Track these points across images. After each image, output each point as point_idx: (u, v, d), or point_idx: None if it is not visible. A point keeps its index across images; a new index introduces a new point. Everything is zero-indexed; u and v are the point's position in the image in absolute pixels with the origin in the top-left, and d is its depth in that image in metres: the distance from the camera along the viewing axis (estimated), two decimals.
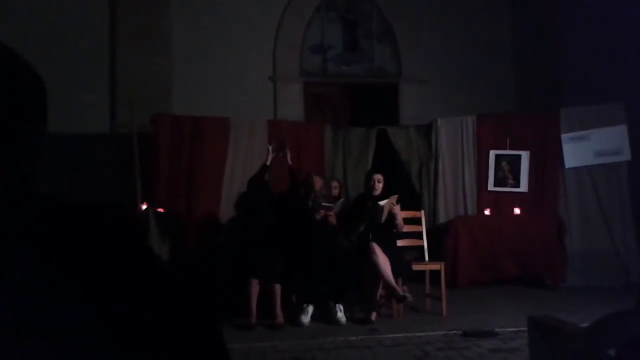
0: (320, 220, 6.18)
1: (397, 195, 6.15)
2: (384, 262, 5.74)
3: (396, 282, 5.81)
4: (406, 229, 6.50)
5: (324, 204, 6.20)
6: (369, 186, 6.24)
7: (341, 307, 5.79)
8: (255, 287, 5.70)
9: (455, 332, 5.26)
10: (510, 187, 7.83)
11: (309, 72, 9.47)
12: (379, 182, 6.21)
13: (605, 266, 7.32)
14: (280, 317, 5.66)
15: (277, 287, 5.74)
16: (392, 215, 6.07)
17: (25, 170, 0.78)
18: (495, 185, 7.86)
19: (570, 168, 7.70)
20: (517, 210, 7.66)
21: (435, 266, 6.24)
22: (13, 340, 0.68)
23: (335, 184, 6.81)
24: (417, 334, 5.22)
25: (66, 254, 0.74)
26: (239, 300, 5.75)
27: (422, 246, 6.60)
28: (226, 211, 7.14)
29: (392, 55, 9.69)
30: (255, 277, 5.71)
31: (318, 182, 6.54)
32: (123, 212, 0.84)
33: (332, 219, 6.16)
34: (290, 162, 6.85)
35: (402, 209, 6.42)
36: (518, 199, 7.76)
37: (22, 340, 0.68)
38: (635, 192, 7.57)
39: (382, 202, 6.05)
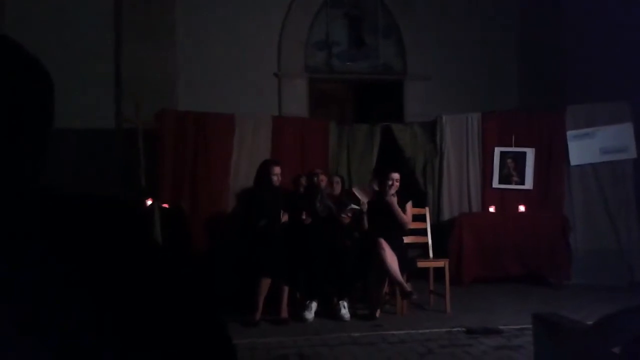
0: (326, 217, 6.17)
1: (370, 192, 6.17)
2: (391, 259, 5.73)
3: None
4: (411, 225, 6.50)
5: (353, 206, 6.18)
6: (386, 186, 6.08)
7: (345, 304, 5.80)
8: (265, 285, 5.70)
9: (459, 329, 5.26)
10: (515, 184, 7.81)
11: (314, 69, 9.46)
12: (397, 181, 6.08)
13: (609, 264, 7.30)
14: (285, 312, 5.67)
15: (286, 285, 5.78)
16: (391, 212, 6.06)
17: (31, 165, 0.78)
18: (500, 183, 7.85)
19: (575, 166, 7.68)
20: (521, 208, 7.65)
21: (440, 263, 6.23)
22: (15, 338, 0.68)
23: (337, 179, 6.79)
24: (421, 331, 5.23)
25: (71, 249, 0.74)
26: (243, 296, 5.76)
27: (427, 243, 6.59)
28: (231, 207, 7.15)
29: (397, 52, 9.66)
30: (268, 275, 5.71)
31: (324, 180, 6.52)
32: (128, 206, 0.84)
33: (347, 220, 6.16)
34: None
35: None
36: (523, 197, 7.75)
37: (22, 336, 0.68)
38: None
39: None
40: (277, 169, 6.15)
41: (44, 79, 0.81)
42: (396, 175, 6.11)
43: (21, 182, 0.77)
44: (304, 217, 6.04)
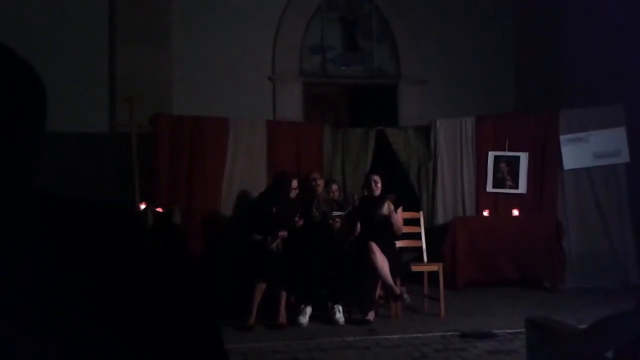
0: (322, 222, 6.18)
1: (393, 196, 6.15)
2: (382, 262, 5.76)
3: (394, 282, 5.82)
4: (405, 229, 6.51)
5: (335, 213, 6.20)
6: (369, 188, 6.27)
7: (340, 308, 5.79)
8: (260, 290, 5.69)
9: (453, 333, 5.26)
10: (509, 188, 7.82)
11: (309, 73, 9.46)
12: (376, 183, 6.24)
13: (603, 268, 7.32)
14: (283, 317, 5.67)
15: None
16: (386, 216, 6.08)
17: (25, 170, 0.78)
18: (493, 187, 7.86)
19: (568, 170, 7.70)
20: (515, 212, 7.66)
21: (434, 267, 6.24)
22: (14, 339, 0.68)
23: (335, 187, 6.79)
24: (415, 335, 5.23)
25: (71, 250, 0.74)
26: (238, 300, 5.75)
27: (421, 247, 6.60)
28: (226, 210, 7.14)
29: (391, 56, 9.68)
30: (264, 281, 5.71)
31: (321, 185, 6.52)
32: (126, 210, 0.84)
33: (337, 224, 6.17)
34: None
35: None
36: (516, 201, 7.76)
37: (23, 338, 0.69)
38: (633, 194, 7.58)
39: (384, 210, 6.09)
40: (295, 183, 6.27)
41: (36, 84, 0.81)
42: (376, 177, 6.27)
43: (16, 187, 0.77)
44: (296, 218, 6.05)
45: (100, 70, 8.39)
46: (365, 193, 6.49)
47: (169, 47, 8.63)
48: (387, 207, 6.05)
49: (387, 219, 6.10)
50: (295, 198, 6.28)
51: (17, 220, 0.74)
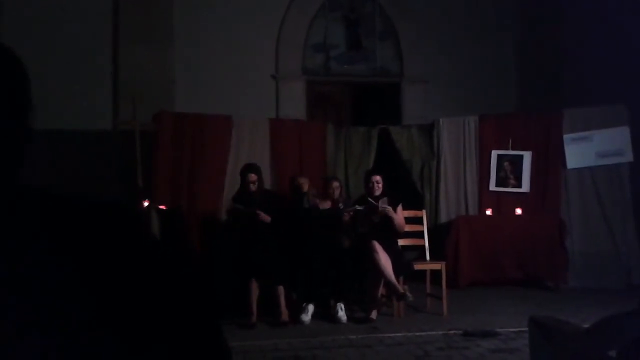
0: (326, 217, 6.18)
1: (386, 199, 6.13)
2: (385, 261, 5.75)
3: (397, 281, 5.81)
4: (407, 228, 6.50)
5: (358, 207, 6.17)
6: (368, 187, 6.23)
7: (342, 306, 5.79)
8: (255, 286, 5.70)
9: (455, 331, 5.26)
10: (512, 187, 7.82)
11: (312, 71, 9.47)
12: (377, 183, 6.19)
13: (606, 267, 7.31)
14: (285, 314, 5.67)
15: (281, 287, 5.77)
16: (387, 217, 6.07)
17: (11, 160, 0.77)
18: (497, 185, 7.85)
19: (572, 169, 7.68)
20: (518, 211, 7.65)
21: (437, 266, 6.23)
22: (14, 337, 0.68)
23: (336, 184, 6.78)
24: (418, 334, 5.22)
25: (70, 249, 0.74)
26: (239, 298, 5.76)
27: (424, 245, 6.59)
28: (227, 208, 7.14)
29: (394, 55, 9.68)
30: (258, 278, 5.71)
31: (305, 184, 6.51)
32: (127, 208, 0.84)
33: (347, 217, 6.17)
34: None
35: (404, 208, 6.41)
36: (520, 199, 7.75)
37: (22, 336, 0.69)
38: (637, 193, 7.56)
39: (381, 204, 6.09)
40: (252, 177, 6.13)
41: (18, 68, 0.78)
42: (377, 177, 6.20)
43: (5, 179, 0.75)
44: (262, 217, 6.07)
45: (103, 69, 8.41)
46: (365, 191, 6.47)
47: (171, 46, 8.64)
48: (389, 209, 6.05)
49: (389, 217, 6.09)
50: (257, 191, 6.16)
51: (20, 217, 0.74)
